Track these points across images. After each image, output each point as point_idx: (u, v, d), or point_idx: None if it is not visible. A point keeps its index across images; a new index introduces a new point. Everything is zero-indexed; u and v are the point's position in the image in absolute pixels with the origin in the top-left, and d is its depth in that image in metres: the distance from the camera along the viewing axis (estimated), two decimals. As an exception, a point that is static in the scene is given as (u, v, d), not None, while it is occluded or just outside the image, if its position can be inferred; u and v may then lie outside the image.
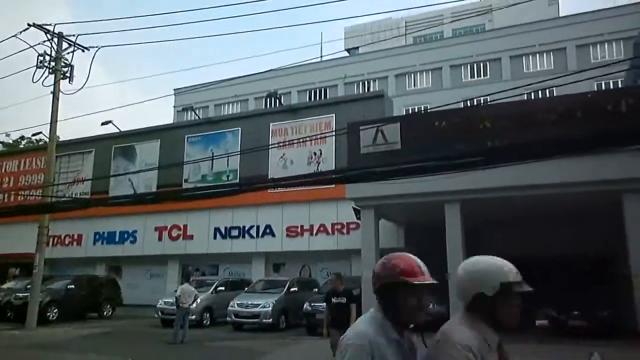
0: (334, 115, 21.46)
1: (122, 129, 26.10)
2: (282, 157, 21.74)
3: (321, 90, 38.71)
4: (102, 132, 26.82)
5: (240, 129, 23.29)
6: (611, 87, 27.36)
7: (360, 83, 37.75)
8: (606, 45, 32.30)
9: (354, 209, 17.50)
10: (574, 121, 12.80)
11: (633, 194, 12.46)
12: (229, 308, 16.51)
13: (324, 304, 9.21)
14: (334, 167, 19.53)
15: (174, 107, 42.64)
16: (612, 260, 16.51)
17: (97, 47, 18.16)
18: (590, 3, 67.15)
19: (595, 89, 25.30)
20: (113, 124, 25.56)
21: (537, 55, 33.88)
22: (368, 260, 14.93)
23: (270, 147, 20.87)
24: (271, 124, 22.58)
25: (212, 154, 22.39)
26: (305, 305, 15.43)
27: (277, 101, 29.45)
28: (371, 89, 36.09)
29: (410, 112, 32.75)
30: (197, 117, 32.42)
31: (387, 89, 33.38)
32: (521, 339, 13.61)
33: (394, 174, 10.94)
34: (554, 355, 11.21)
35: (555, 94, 24.63)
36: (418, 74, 36.73)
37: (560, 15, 38.91)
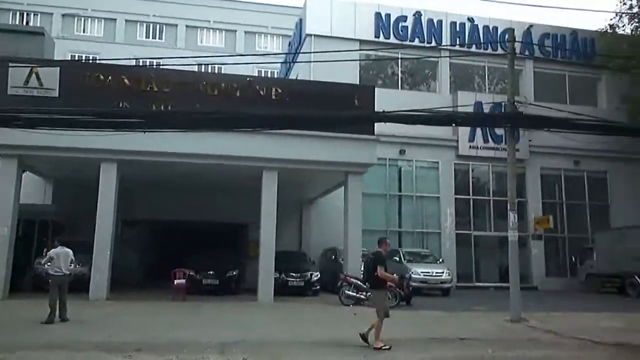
0: (-24, 43, 18.11)
1: None
2: None
3: (-38, 10, 31.85)
4: None
5: None
6: (269, 75, 30.84)
7: (18, 13, 32.61)
8: (269, 37, 36.16)
9: (-7, 157, 15.24)
10: (233, 100, 14.06)
11: (270, 171, 14.45)
12: None
13: None
14: (-31, 105, 16.50)
15: None
16: (245, 227, 19.15)
17: None
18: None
19: (256, 74, 28.04)
20: None
21: (211, 32, 35.53)
22: (2, 216, 13.27)
23: None
24: None
25: None
26: None
27: None
28: (30, 23, 31.56)
29: (75, 59, 30.04)
30: None
31: (51, 29, 29.88)
32: (156, 296, 14.43)
33: (47, 123, 10.04)
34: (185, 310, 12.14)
35: (222, 72, 26.42)
36: (89, 20, 33.98)
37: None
